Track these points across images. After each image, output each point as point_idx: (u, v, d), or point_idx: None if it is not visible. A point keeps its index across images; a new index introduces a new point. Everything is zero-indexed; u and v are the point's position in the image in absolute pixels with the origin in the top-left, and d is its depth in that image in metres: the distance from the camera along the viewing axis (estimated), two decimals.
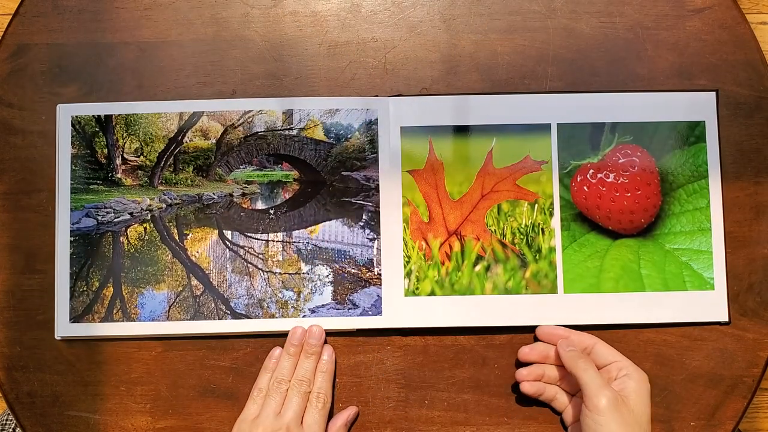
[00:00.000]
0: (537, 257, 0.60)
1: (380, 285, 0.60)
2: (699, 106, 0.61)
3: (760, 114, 0.61)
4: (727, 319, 0.60)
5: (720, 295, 0.60)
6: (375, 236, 0.60)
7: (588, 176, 0.60)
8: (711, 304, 0.60)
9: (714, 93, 0.61)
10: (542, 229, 0.60)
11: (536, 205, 0.60)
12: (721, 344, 0.60)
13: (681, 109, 0.61)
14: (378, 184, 0.60)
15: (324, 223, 0.61)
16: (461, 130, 0.61)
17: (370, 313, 0.59)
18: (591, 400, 0.52)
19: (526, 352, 0.58)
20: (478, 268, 0.59)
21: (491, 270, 0.60)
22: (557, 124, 0.61)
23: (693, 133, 0.61)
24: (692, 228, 0.60)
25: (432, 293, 0.59)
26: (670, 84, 0.62)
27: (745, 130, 0.61)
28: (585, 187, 0.60)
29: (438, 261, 0.59)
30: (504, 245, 0.60)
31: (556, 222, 0.60)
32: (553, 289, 0.60)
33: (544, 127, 0.61)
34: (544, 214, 0.60)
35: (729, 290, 0.60)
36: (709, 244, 0.60)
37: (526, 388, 0.57)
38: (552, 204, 0.60)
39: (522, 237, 0.60)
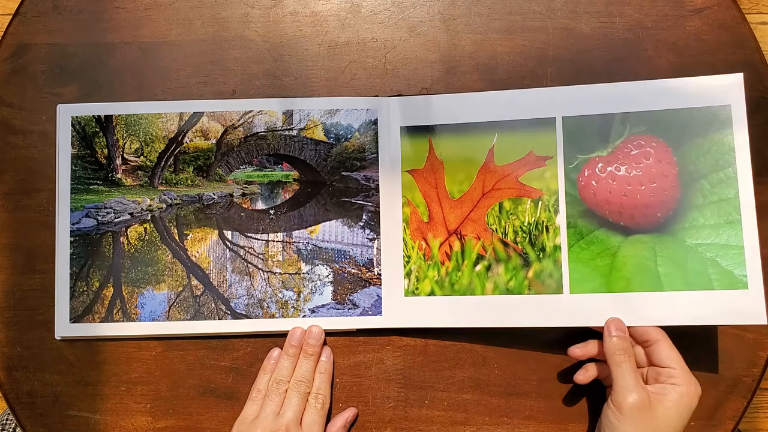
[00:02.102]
0: (541, 256, 0.58)
1: (380, 285, 0.60)
2: (723, 89, 0.56)
3: (760, 114, 0.61)
4: (765, 321, 0.54)
5: (756, 294, 0.54)
6: (375, 236, 0.60)
7: (597, 170, 0.57)
8: (745, 305, 0.54)
9: (740, 75, 0.56)
10: (546, 226, 0.58)
11: (540, 203, 0.58)
12: (721, 344, 0.60)
13: (702, 94, 0.56)
14: (378, 184, 0.60)
15: (324, 223, 0.61)
16: (462, 129, 0.60)
17: (370, 313, 0.59)
18: (616, 397, 0.52)
19: (578, 353, 0.57)
20: (478, 267, 0.59)
21: (492, 270, 0.58)
22: (563, 117, 0.58)
23: (717, 118, 0.56)
24: (718, 221, 0.55)
25: (432, 293, 0.59)
26: None
27: None
28: (593, 182, 0.57)
29: (438, 261, 0.59)
30: (506, 244, 0.58)
31: (561, 219, 0.58)
32: (558, 289, 0.57)
33: (549, 122, 0.58)
34: (549, 211, 0.58)
35: None
36: (740, 238, 0.55)
37: (580, 378, 0.57)
38: (557, 201, 0.58)
39: (525, 235, 0.58)
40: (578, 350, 0.56)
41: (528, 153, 0.59)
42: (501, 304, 0.58)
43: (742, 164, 0.55)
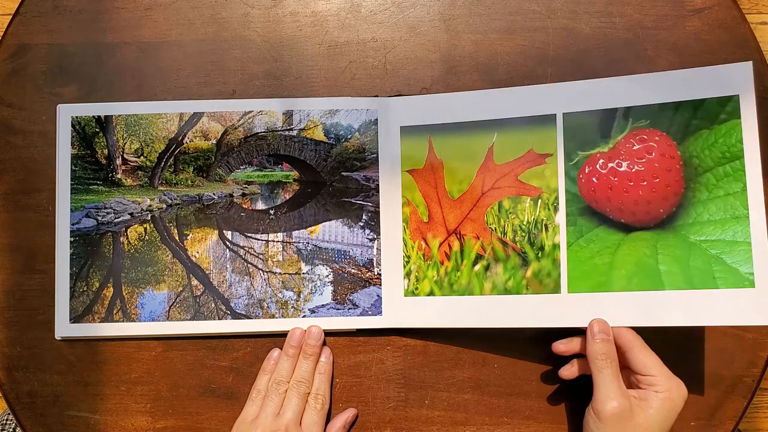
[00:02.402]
0: (539, 255, 0.56)
1: (380, 285, 0.60)
2: (730, 79, 0.53)
3: (760, 114, 0.61)
4: None
5: (763, 293, 0.51)
6: (375, 236, 0.60)
7: (597, 166, 0.56)
8: (751, 304, 0.51)
9: (749, 63, 0.53)
10: (546, 225, 0.57)
11: (539, 201, 0.57)
12: (721, 344, 0.60)
13: (707, 85, 0.54)
14: (378, 185, 0.60)
15: (324, 224, 0.61)
16: (461, 128, 0.59)
17: (370, 313, 0.59)
18: (596, 404, 0.51)
19: (562, 349, 0.56)
20: (477, 267, 0.58)
21: (491, 269, 0.57)
22: (563, 113, 0.57)
23: (724, 109, 0.53)
24: (724, 216, 0.53)
25: (431, 293, 0.58)
26: None
27: None
28: (594, 179, 0.56)
29: (437, 261, 0.59)
30: (505, 243, 0.57)
31: (561, 217, 0.56)
32: (556, 289, 0.56)
33: (549, 118, 0.57)
34: (548, 209, 0.57)
35: None
36: (747, 234, 0.52)
37: (565, 374, 0.56)
38: (557, 198, 0.56)
39: (524, 235, 0.57)
40: (562, 346, 0.56)
41: (528, 151, 0.57)
42: (499, 304, 0.57)
43: (750, 156, 0.52)
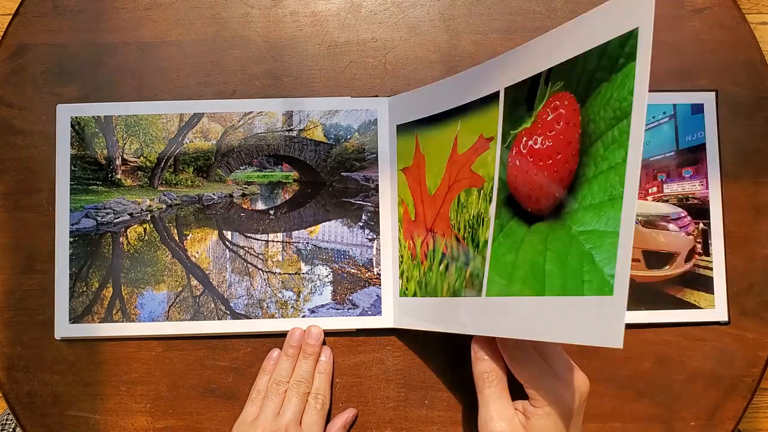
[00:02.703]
0: (474, 253, 0.50)
1: (379, 285, 0.60)
2: (630, 10, 0.39)
3: (760, 114, 0.61)
4: (621, 345, 0.36)
5: (618, 304, 0.37)
6: (374, 236, 0.60)
7: (521, 147, 0.46)
8: (603, 318, 0.38)
9: None
10: (483, 219, 0.49)
11: (482, 191, 0.49)
12: (721, 344, 0.60)
13: (608, 23, 0.40)
14: (377, 185, 0.60)
15: (324, 224, 0.61)
16: (435, 120, 0.55)
17: (369, 313, 0.59)
18: (479, 426, 0.48)
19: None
20: (441, 267, 0.54)
21: (449, 269, 0.52)
22: (504, 89, 0.48)
23: (623, 51, 0.39)
24: (602, 198, 0.40)
25: (414, 294, 0.57)
26: (670, 84, 0.62)
27: (745, 131, 0.61)
28: (517, 162, 0.46)
29: (419, 260, 0.57)
30: (459, 240, 0.52)
31: (492, 209, 0.49)
32: (480, 291, 0.48)
33: (494, 97, 0.49)
34: (486, 200, 0.49)
35: (728, 290, 0.60)
36: (618, 221, 0.38)
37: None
38: (493, 188, 0.49)
39: (470, 230, 0.51)
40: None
41: (478, 136, 0.50)
42: (446, 306, 0.52)
43: (637, 110, 0.38)
